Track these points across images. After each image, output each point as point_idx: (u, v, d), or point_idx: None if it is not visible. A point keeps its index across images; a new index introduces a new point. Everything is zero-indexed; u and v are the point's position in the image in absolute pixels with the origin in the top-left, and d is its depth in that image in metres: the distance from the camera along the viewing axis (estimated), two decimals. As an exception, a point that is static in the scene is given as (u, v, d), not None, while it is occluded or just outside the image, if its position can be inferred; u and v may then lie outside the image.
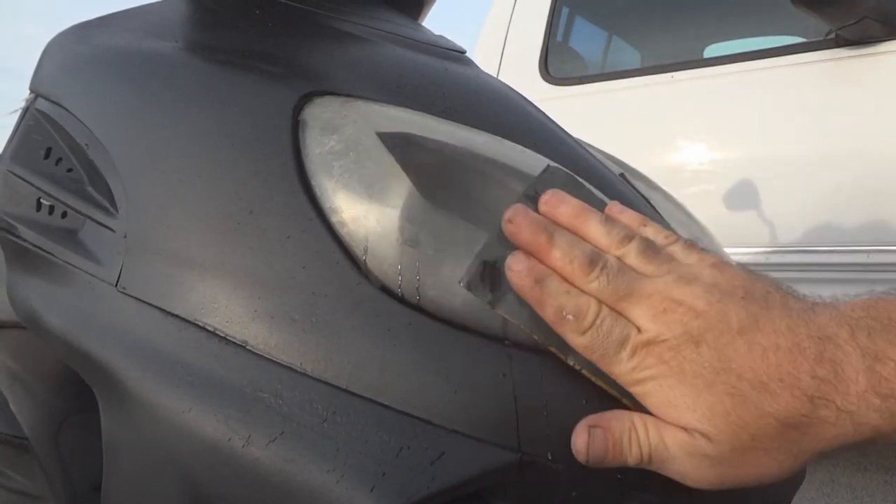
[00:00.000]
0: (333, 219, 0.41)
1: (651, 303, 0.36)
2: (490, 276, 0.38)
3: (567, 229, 0.39)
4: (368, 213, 0.41)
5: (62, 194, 0.51)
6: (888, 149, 1.64)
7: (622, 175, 0.61)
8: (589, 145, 0.65)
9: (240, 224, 0.42)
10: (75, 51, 0.58)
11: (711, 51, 2.18)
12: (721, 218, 1.79)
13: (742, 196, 1.81)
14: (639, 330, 0.36)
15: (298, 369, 0.38)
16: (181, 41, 0.53)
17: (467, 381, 0.38)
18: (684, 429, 0.35)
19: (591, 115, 2.11)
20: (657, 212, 0.61)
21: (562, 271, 0.37)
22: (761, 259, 1.76)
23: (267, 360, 0.39)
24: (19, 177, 0.54)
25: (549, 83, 2.25)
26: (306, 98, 0.46)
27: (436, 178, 0.41)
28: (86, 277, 0.46)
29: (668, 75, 2.01)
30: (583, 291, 0.37)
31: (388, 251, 0.40)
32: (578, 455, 0.36)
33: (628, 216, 0.42)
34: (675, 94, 1.99)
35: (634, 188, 0.60)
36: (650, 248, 0.39)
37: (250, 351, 0.39)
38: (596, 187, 0.47)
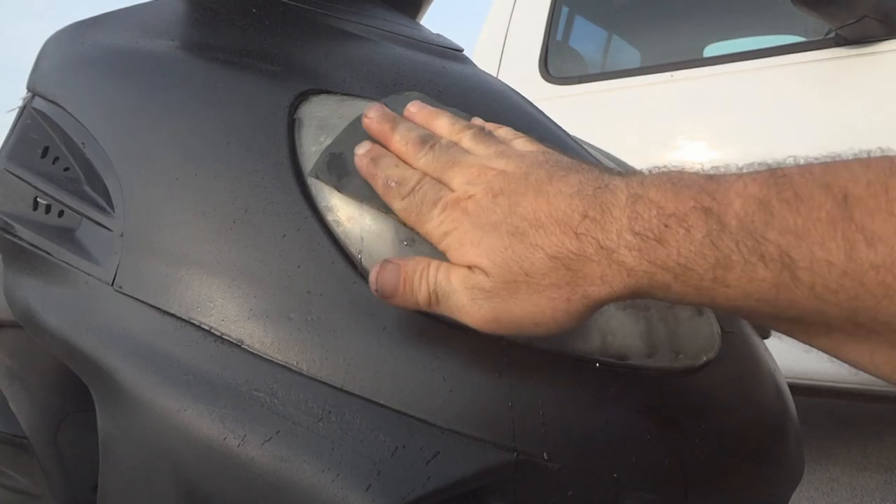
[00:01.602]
0: (329, 217, 0.41)
1: (469, 170, 0.39)
2: (337, 165, 0.42)
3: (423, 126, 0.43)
4: (363, 212, 0.41)
5: (59, 193, 0.51)
6: (888, 148, 1.63)
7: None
8: (588, 144, 0.65)
9: (235, 222, 0.42)
10: (72, 50, 0.58)
11: (711, 50, 2.18)
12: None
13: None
14: (452, 192, 0.39)
15: (294, 368, 0.38)
16: (178, 40, 0.53)
17: (463, 380, 0.38)
18: (469, 268, 0.36)
19: (591, 114, 2.11)
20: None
21: (399, 151, 0.41)
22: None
23: (262, 359, 0.39)
24: (16, 175, 0.54)
25: (549, 82, 2.25)
26: (302, 96, 0.46)
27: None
28: (82, 276, 0.46)
29: (668, 74, 2.01)
30: (415, 168, 0.40)
31: (384, 250, 0.40)
32: (370, 284, 0.38)
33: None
34: (675, 93, 1.99)
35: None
36: (485, 134, 0.42)
37: (246, 350, 0.39)
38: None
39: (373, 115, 0.42)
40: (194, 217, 0.43)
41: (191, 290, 0.41)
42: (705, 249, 0.31)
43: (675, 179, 0.33)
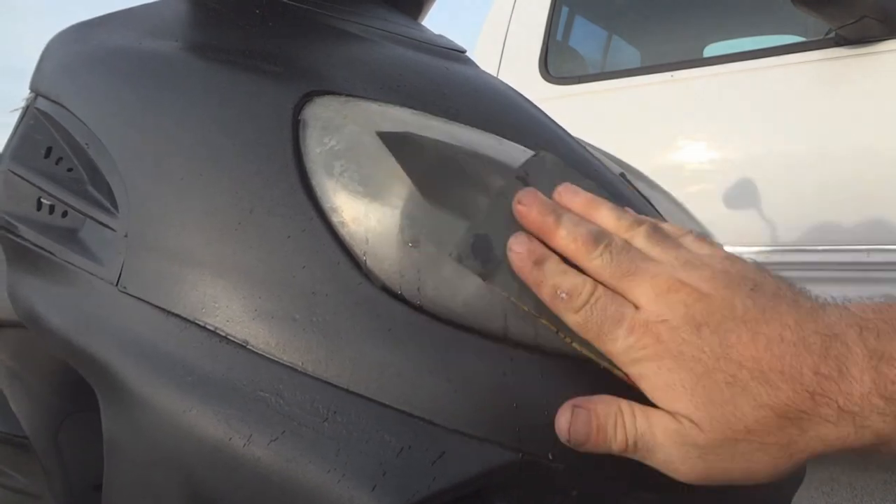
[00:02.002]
0: (334, 218, 0.41)
1: (655, 282, 0.35)
2: (482, 249, 0.38)
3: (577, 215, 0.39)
4: (369, 213, 0.41)
5: (63, 194, 0.51)
6: (888, 148, 1.64)
7: (622, 175, 0.61)
8: (589, 145, 0.65)
9: (240, 223, 0.42)
10: (75, 50, 0.58)
11: (711, 50, 2.18)
12: (721, 217, 1.79)
13: (742, 195, 1.81)
14: (638, 309, 0.35)
15: (299, 369, 0.38)
16: (181, 41, 0.53)
17: (468, 380, 0.38)
18: (674, 416, 0.34)
19: (591, 114, 2.11)
20: (657, 211, 0.61)
21: (566, 249, 0.37)
22: (761, 258, 1.76)
23: (267, 359, 0.39)
24: (20, 176, 0.54)
25: (549, 82, 2.25)
26: (307, 98, 0.46)
27: (436, 177, 0.41)
28: (86, 277, 0.46)
29: (668, 74, 2.01)
30: (586, 270, 0.37)
31: (389, 251, 0.40)
32: (560, 434, 0.35)
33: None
34: (675, 93, 1.99)
35: (635, 188, 0.60)
36: (659, 233, 0.38)
37: (251, 350, 0.39)
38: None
39: (528, 201, 0.38)
40: (199, 218, 0.43)
41: (195, 291, 0.42)
42: None
43: None
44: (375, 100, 0.47)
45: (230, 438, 0.37)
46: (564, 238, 0.37)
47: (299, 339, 0.39)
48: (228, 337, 0.40)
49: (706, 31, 2.27)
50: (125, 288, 0.44)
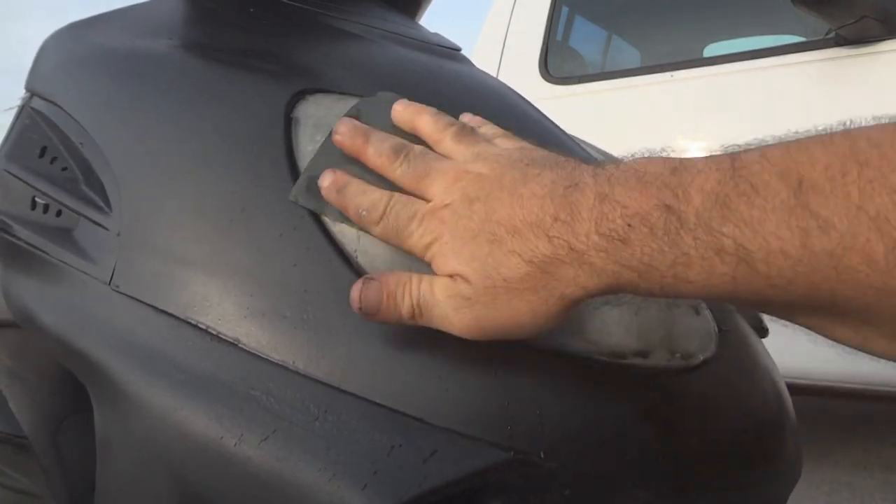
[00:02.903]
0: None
1: (445, 177, 0.39)
2: (315, 188, 0.41)
3: (404, 126, 0.43)
4: None
5: (57, 193, 0.51)
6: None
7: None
8: (587, 143, 0.65)
9: (232, 222, 0.42)
10: (70, 49, 0.58)
11: (711, 50, 2.18)
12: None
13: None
14: (427, 203, 0.38)
15: (290, 367, 0.38)
16: (176, 39, 0.53)
17: (459, 378, 0.38)
18: (451, 277, 0.37)
19: (591, 114, 2.11)
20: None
21: (375, 166, 0.41)
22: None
23: (259, 358, 0.39)
24: (14, 175, 0.54)
25: (549, 82, 2.25)
26: (299, 96, 0.46)
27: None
28: (80, 276, 0.46)
29: (668, 74, 2.01)
30: (392, 181, 0.40)
31: (380, 249, 0.40)
32: (353, 304, 0.37)
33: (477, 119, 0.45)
34: (675, 93, 1.99)
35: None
36: (465, 131, 0.42)
37: (242, 349, 0.39)
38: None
39: (343, 130, 0.42)
40: (191, 216, 0.43)
41: (187, 290, 0.41)
42: (665, 247, 0.31)
43: (640, 174, 0.33)
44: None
45: (221, 437, 0.37)
46: (372, 155, 0.41)
47: (290, 338, 0.39)
48: (220, 335, 0.40)
49: (706, 31, 2.27)
50: (118, 287, 0.44)
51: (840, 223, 0.27)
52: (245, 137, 0.44)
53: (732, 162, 0.31)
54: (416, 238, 0.38)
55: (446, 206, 0.37)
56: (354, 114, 0.44)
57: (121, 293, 0.43)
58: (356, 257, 0.40)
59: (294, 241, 0.40)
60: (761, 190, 0.29)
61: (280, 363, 0.38)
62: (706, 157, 0.33)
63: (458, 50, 0.58)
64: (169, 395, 0.39)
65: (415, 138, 0.43)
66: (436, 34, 0.60)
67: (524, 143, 0.41)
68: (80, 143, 0.51)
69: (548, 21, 2.32)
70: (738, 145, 0.33)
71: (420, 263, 0.39)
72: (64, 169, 0.52)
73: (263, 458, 0.37)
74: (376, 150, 0.41)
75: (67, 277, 0.47)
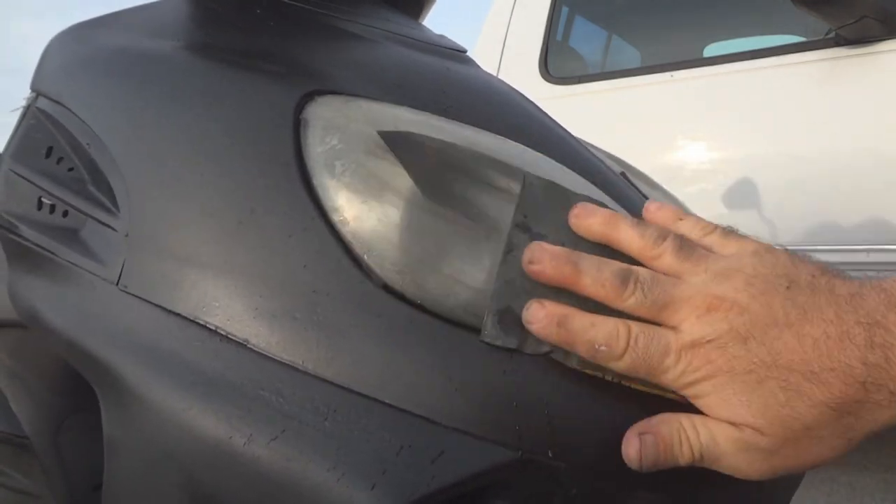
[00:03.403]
0: (335, 217, 0.41)
1: (692, 304, 0.36)
2: (509, 321, 0.38)
3: (599, 240, 0.39)
4: (370, 212, 0.41)
5: (63, 193, 0.51)
6: (888, 148, 1.64)
7: (623, 174, 0.61)
8: (589, 144, 0.65)
9: (241, 223, 0.42)
10: (76, 50, 0.58)
11: (711, 50, 2.18)
12: (720, 217, 1.78)
13: (741, 195, 1.82)
14: (679, 333, 0.36)
15: (300, 368, 0.38)
16: (182, 40, 0.53)
17: (468, 379, 0.38)
18: (734, 425, 0.35)
19: (591, 114, 2.11)
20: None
21: (595, 297, 0.37)
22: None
23: (268, 358, 0.39)
24: (21, 176, 0.54)
25: (549, 82, 2.25)
26: (308, 97, 0.46)
27: (437, 177, 0.42)
28: (87, 276, 0.46)
29: (668, 74, 2.01)
30: (621, 312, 0.37)
31: (390, 250, 0.40)
32: (631, 463, 0.36)
33: (664, 213, 0.42)
34: (675, 93, 1.99)
35: (635, 187, 0.60)
36: (686, 246, 0.38)
37: (251, 349, 0.39)
38: (597, 186, 0.47)
39: (538, 258, 0.37)
40: (200, 217, 0.43)
41: (196, 290, 0.42)
42: None
43: None
44: (377, 99, 0.47)
45: (230, 437, 0.38)
46: (591, 286, 0.37)
47: (300, 338, 0.39)
48: (229, 336, 0.40)
49: (706, 31, 2.27)
50: (126, 287, 0.44)
51: None
52: (254, 138, 0.44)
53: None
54: (674, 374, 0.35)
55: (709, 341, 0.35)
56: (521, 220, 0.40)
57: (129, 294, 0.44)
58: (366, 259, 0.40)
59: (304, 242, 0.40)
60: None
61: (289, 363, 0.39)
62: None
63: (464, 52, 0.58)
64: (178, 396, 0.39)
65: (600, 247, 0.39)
66: (441, 36, 0.60)
67: (750, 243, 0.39)
68: (87, 144, 0.51)
69: (548, 21, 2.32)
70: None
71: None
72: (70, 169, 0.52)
73: (272, 457, 0.37)
74: (595, 281, 0.37)
75: (75, 278, 0.47)
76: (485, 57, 2.35)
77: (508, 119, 0.49)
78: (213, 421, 0.38)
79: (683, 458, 0.36)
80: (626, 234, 0.39)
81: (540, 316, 0.36)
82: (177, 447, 0.39)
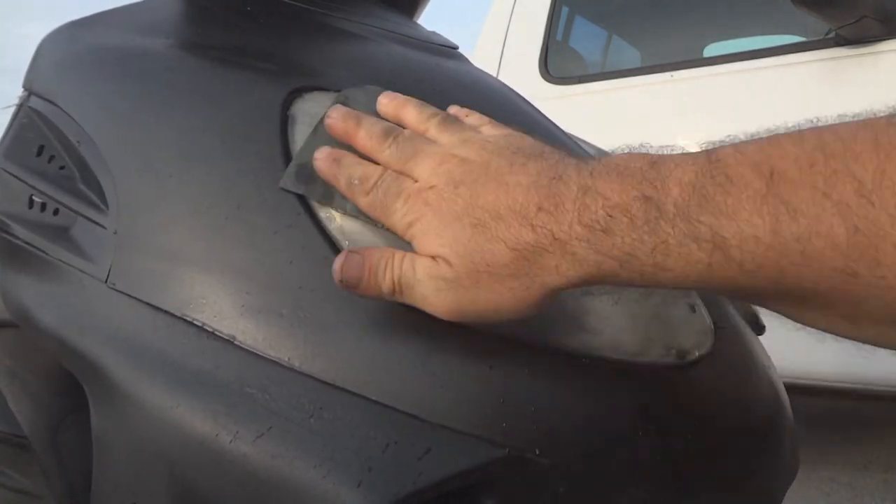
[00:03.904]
0: (321, 214, 0.41)
1: (431, 159, 0.39)
2: (304, 173, 0.42)
3: (389, 117, 0.44)
4: (356, 208, 0.41)
5: (54, 191, 0.51)
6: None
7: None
8: (585, 142, 0.65)
9: (227, 219, 0.42)
10: (68, 48, 0.58)
11: (711, 50, 2.18)
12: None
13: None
14: (415, 183, 0.39)
15: (286, 364, 0.38)
16: (173, 38, 0.53)
17: (454, 375, 0.38)
18: (433, 258, 0.37)
19: (591, 114, 2.11)
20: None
21: (364, 148, 0.42)
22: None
23: (254, 355, 0.39)
24: (12, 174, 0.55)
25: (549, 82, 2.25)
26: (295, 93, 0.46)
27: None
28: (77, 274, 0.46)
29: (668, 74, 2.01)
30: (379, 162, 0.41)
31: (376, 246, 0.40)
32: (334, 275, 0.38)
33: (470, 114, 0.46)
34: (675, 93, 1.99)
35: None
36: (450, 120, 0.43)
37: (238, 346, 0.39)
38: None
39: (335, 115, 0.43)
40: (187, 214, 0.43)
41: (183, 287, 0.42)
42: (645, 237, 0.32)
43: (621, 168, 0.34)
44: None
45: (217, 434, 0.37)
46: (363, 138, 0.42)
47: (286, 335, 0.39)
48: (216, 333, 0.40)
49: (706, 31, 2.27)
50: (114, 285, 0.44)
51: (807, 209, 0.29)
52: (241, 135, 0.44)
53: (709, 156, 0.33)
54: (400, 216, 0.39)
55: (431, 187, 0.38)
56: (342, 101, 0.45)
57: (117, 291, 0.44)
58: None
59: (290, 238, 0.40)
60: (736, 181, 0.31)
61: (275, 360, 0.38)
62: (683, 154, 0.35)
63: (456, 48, 0.58)
64: (165, 393, 0.39)
65: None
66: (433, 33, 0.60)
67: (510, 130, 0.42)
68: (77, 142, 0.51)
69: (548, 21, 2.32)
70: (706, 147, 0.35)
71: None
72: (61, 168, 0.52)
73: (258, 455, 0.37)
74: (367, 133, 0.42)
75: (65, 276, 0.47)
76: (485, 57, 2.35)
77: (499, 115, 0.49)
78: (200, 418, 0.38)
79: (385, 283, 0.38)
80: (409, 110, 0.44)
81: (323, 153, 0.41)
82: (164, 445, 0.39)
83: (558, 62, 2.33)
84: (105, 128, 0.50)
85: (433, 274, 0.37)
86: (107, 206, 0.47)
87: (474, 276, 0.36)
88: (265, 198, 0.42)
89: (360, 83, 0.48)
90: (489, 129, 0.43)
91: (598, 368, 0.40)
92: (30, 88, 0.59)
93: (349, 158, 0.41)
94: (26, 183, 0.53)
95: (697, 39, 2.25)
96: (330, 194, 0.41)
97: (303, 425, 0.37)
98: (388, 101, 0.45)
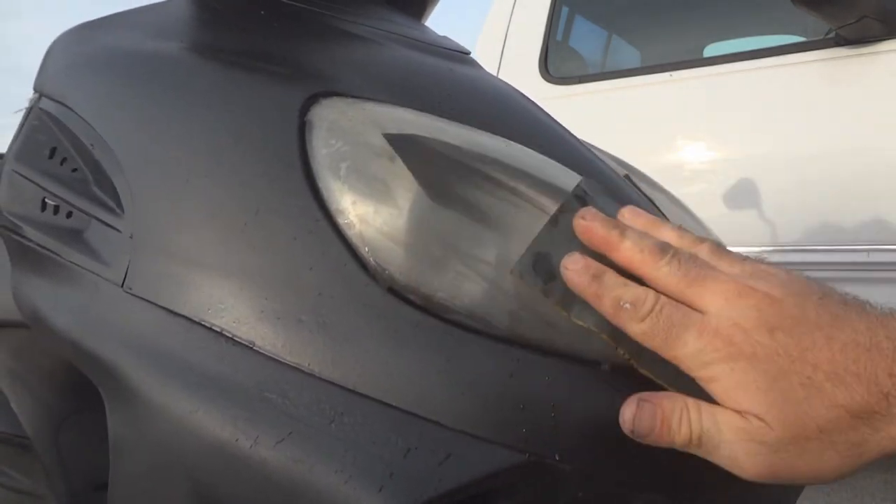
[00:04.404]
0: (340, 220, 0.41)
1: (725, 288, 0.35)
2: (542, 266, 0.38)
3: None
4: (375, 215, 0.41)
5: (67, 194, 0.51)
6: (887, 148, 1.64)
7: (626, 176, 0.61)
8: (593, 146, 0.65)
9: (246, 225, 0.42)
10: (79, 51, 0.58)
11: (711, 50, 2.18)
12: (721, 217, 1.79)
13: (742, 195, 1.81)
14: (705, 315, 0.35)
15: (306, 370, 0.38)
16: (186, 41, 0.53)
17: (474, 381, 0.38)
18: (741, 415, 0.34)
19: (592, 114, 2.11)
20: (662, 213, 0.61)
21: (631, 260, 0.37)
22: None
23: (274, 360, 0.39)
24: (24, 177, 0.54)
25: (549, 83, 2.25)
26: (312, 99, 0.46)
27: (442, 179, 0.42)
28: (92, 278, 0.46)
29: (668, 74, 2.01)
30: (652, 280, 0.37)
31: (396, 252, 0.40)
32: (624, 426, 0.36)
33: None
34: (675, 93, 1.99)
35: (639, 189, 0.60)
36: (723, 249, 0.39)
37: (257, 351, 0.39)
38: (602, 189, 0.47)
39: (590, 217, 0.38)
40: (205, 219, 0.43)
41: (201, 292, 0.42)
42: None
43: None
44: (381, 101, 0.47)
45: (237, 439, 0.38)
46: (630, 249, 0.37)
47: (306, 340, 0.39)
48: (235, 338, 0.40)
49: (706, 31, 2.27)
50: (131, 289, 0.44)
51: None
52: (259, 140, 0.44)
53: None
54: (693, 349, 0.34)
55: (735, 325, 0.34)
56: (581, 194, 0.42)
57: (134, 295, 0.44)
58: (371, 261, 0.40)
59: (309, 244, 0.40)
60: None
61: (295, 366, 0.39)
62: None
63: (468, 53, 0.58)
64: (184, 398, 0.39)
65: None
66: (444, 37, 0.60)
67: (782, 268, 0.38)
68: (91, 145, 0.51)
69: (548, 21, 2.31)
70: None
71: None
72: (74, 170, 0.52)
73: (279, 459, 0.37)
74: (635, 245, 0.37)
75: (79, 279, 0.47)
76: (485, 57, 2.34)
77: (512, 121, 0.49)
78: (219, 423, 0.38)
79: (681, 436, 0.35)
80: (667, 233, 0.39)
81: (579, 265, 0.37)
82: (182, 449, 0.39)
83: (558, 62, 2.33)
84: (119, 130, 0.50)
85: (746, 437, 0.33)
86: (122, 209, 0.47)
87: (801, 443, 0.33)
88: (284, 203, 0.42)
89: (375, 88, 0.48)
90: (761, 265, 0.38)
91: (616, 375, 0.40)
92: (41, 90, 0.59)
93: (611, 277, 0.37)
94: (38, 185, 0.53)
95: (697, 39, 2.25)
96: (570, 300, 0.38)
97: (323, 431, 0.37)
98: (633, 216, 0.40)
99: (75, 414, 0.70)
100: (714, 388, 0.34)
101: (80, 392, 0.68)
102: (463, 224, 0.41)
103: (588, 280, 0.37)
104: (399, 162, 0.42)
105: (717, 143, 1.92)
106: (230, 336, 0.40)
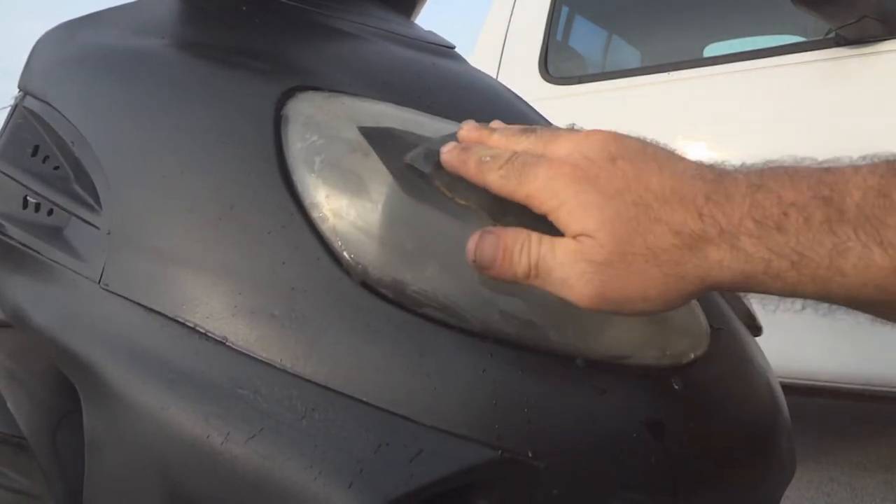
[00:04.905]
0: (314, 214, 0.41)
1: (573, 136, 0.38)
2: (431, 157, 0.41)
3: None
4: (349, 209, 0.40)
5: (48, 192, 0.51)
6: (888, 148, 1.63)
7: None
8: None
9: (221, 219, 0.41)
10: (63, 49, 0.58)
11: (711, 50, 2.18)
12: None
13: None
14: (557, 154, 0.38)
15: (278, 365, 0.38)
16: (168, 38, 0.53)
17: (447, 377, 0.37)
18: (576, 239, 0.36)
19: (591, 114, 2.11)
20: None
21: (499, 142, 0.41)
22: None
23: (246, 356, 0.39)
24: (6, 174, 0.54)
25: (549, 83, 2.24)
26: (289, 93, 0.45)
27: (417, 172, 0.41)
28: (70, 275, 0.46)
29: (668, 74, 2.00)
30: (520, 149, 0.39)
31: (369, 246, 0.40)
32: (467, 255, 0.37)
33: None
34: (675, 93, 1.99)
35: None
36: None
37: (230, 347, 0.39)
38: None
39: (468, 126, 0.42)
40: (180, 214, 0.43)
41: (176, 288, 0.41)
42: (823, 236, 0.32)
43: (791, 172, 0.34)
44: (360, 95, 0.46)
45: (208, 436, 0.37)
46: (498, 138, 0.41)
47: (278, 336, 0.39)
48: (208, 334, 0.40)
49: (706, 31, 2.27)
50: (107, 285, 0.44)
51: None
52: (235, 135, 0.44)
53: (890, 165, 0.33)
54: (542, 183, 0.37)
55: (581, 154, 0.37)
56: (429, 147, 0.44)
57: (110, 292, 0.43)
58: (345, 255, 0.40)
59: (282, 238, 0.40)
60: None
61: (268, 361, 0.38)
62: (859, 163, 0.34)
63: (452, 48, 0.58)
64: (157, 394, 0.39)
65: None
66: (430, 32, 0.60)
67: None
68: (72, 143, 0.51)
69: (548, 21, 2.31)
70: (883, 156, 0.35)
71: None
72: (56, 168, 0.52)
73: (250, 456, 0.36)
74: (502, 134, 0.41)
75: (58, 276, 0.47)
76: (485, 57, 2.34)
77: (494, 115, 0.48)
78: (191, 419, 0.38)
79: (521, 267, 0.37)
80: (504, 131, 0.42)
81: (451, 146, 0.40)
82: (155, 446, 0.39)
83: (558, 62, 2.32)
84: (99, 128, 0.50)
85: (578, 257, 0.35)
86: (100, 206, 0.47)
87: (628, 259, 0.35)
88: (258, 197, 0.41)
89: (355, 82, 0.48)
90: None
91: (592, 370, 0.40)
92: (25, 89, 0.59)
93: (478, 146, 0.40)
94: (21, 183, 0.53)
95: (697, 39, 2.25)
96: (454, 183, 0.40)
97: (294, 427, 0.37)
98: (467, 132, 0.43)
99: (72, 414, 0.70)
100: (560, 216, 0.36)
101: (77, 392, 0.68)
102: (436, 218, 0.40)
103: (458, 152, 0.40)
104: (373, 156, 0.41)
105: (717, 143, 1.91)
106: (203, 332, 0.40)
